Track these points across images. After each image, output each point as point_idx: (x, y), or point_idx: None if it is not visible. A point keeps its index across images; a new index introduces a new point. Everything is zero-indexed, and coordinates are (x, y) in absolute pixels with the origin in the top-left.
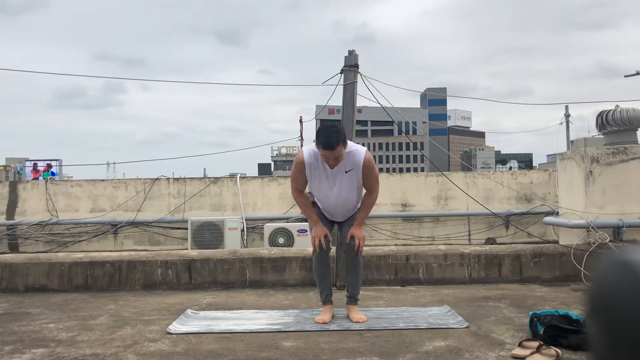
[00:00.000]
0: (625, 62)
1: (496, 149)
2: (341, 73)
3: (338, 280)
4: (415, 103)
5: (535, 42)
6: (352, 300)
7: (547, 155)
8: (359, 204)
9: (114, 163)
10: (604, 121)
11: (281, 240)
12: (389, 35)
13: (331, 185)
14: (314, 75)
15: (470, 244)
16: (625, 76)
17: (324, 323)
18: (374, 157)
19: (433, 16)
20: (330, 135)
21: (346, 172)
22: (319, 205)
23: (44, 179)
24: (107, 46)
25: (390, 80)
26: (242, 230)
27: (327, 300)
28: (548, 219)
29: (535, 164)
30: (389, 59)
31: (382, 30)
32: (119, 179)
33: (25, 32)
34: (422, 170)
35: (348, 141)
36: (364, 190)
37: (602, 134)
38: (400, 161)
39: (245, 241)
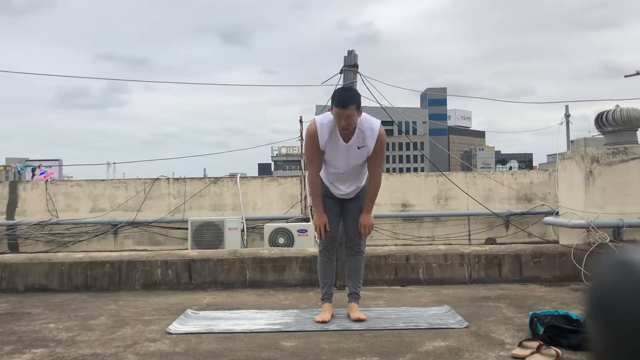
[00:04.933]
0: (628, 61)
1: (496, 149)
2: (341, 73)
3: (338, 280)
4: (415, 103)
5: (537, 42)
6: (354, 296)
7: (547, 155)
8: (366, 180)
9: (114, 163)
10: (603, 121)
11: (281, 240)
12: (392, 34)
13: (343, 160)
14: (318, 75)
15: (470, 244)
16: (625, 76)
17: (323, 322)
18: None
19: (435, 16)
20: (346, 95)
21: (359, 148)
22: (328, 176)
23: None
24: (110, 46)
25: (391, 80)
26: (242, 230)
27: (327, 297)
28: (548, 219)
29: (535, 163)
30: (391, 59)
31: (385, 29)
32: (118, 179)
33: (29, 32)
34: (422, 170)
35: (364, 114)
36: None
37: (602, 134)
38: (400, 161)
39: (245, 241)
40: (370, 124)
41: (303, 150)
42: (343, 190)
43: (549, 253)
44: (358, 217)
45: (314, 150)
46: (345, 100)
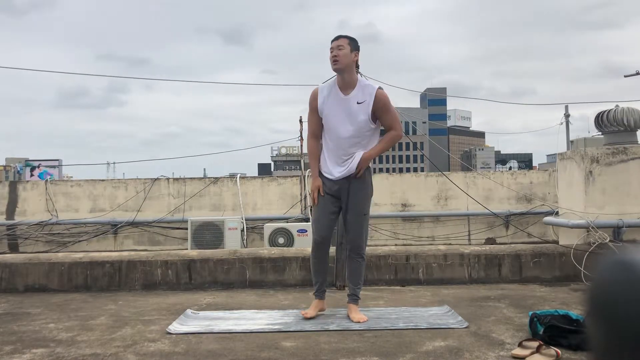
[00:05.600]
0: (628, 61)
1: (496, 149)
2: None
3: (338, 280)
4: (415, 103)
5: (537, 42)
6: (353, 298)
7: (547, 155)
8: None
9: (114, 163)
10: (603, 121)
11: (281, 241)
12: (392, 34)
13: (342, 117)
14: (318, 75)
15: (470, 244)
16: (625, 76)
17: (304, 316)
18: (373, 158)
19: (435, 16)
20: (340, 34)
21: (358, 103)
22: (331, 149)
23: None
24: (110, 46)
25: (391, 80)
26: (242, 230)
27: (317, 294)
28: (548, 219)
29: (535, 164)
30: (392, 59)
31: (386, 29)
32: (118, 179)
33: (30, 33)
34: (422, 170)
35: (364, 78)
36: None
37: (602, 134)
38: (400, 161)
39: (245, 241)
40: (370, 83)
41: (303, 150)
42: (341, 169)
43: (548, 253)
44: (358, 217)
45: (311, 114)
46: (338, 35)
